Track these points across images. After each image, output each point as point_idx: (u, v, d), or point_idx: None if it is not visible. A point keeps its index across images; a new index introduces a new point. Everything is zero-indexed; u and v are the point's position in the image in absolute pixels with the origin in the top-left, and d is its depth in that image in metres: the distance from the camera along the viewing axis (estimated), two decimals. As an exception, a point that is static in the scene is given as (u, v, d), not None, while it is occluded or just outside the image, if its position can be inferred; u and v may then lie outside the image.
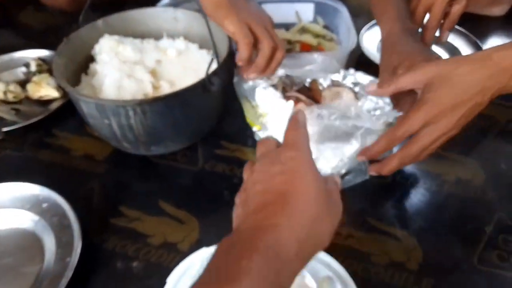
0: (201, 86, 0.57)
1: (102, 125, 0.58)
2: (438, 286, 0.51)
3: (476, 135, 0.70)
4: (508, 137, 0.70)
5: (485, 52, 0.51)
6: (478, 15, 1.01)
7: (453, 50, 0.87)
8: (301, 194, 0.34)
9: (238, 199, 0.38)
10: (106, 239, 0.56)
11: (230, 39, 0.64)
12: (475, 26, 0.96)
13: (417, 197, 0.61)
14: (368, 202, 0.60)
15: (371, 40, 0.88)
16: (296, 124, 0.39)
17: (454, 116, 0.49)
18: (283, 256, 0.31)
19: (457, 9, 0.66)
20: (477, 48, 0.86)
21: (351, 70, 0.68)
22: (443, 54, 0.87)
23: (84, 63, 0.68)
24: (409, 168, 0.64)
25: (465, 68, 0.48)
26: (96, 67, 0.67)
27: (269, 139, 0.41)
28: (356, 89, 0.66)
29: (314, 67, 0.70)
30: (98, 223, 0.58)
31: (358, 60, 0.85)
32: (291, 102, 0.59)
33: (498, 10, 1.00)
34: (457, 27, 0.90)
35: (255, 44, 0.58)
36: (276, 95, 0.61)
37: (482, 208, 0.59)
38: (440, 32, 0.71)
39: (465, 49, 0.86)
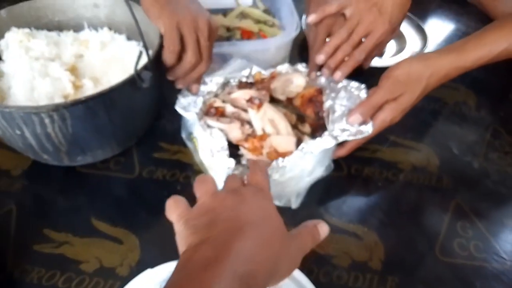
0: (130, 84, 0.49)
1: (13, 136, 0.49)
2: (403, 284, 0.48)
3: (427, 118, 0.69)
4: (457, 119, 0.70)
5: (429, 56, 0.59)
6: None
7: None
8: (268, 227, 0.35)
9: (194, 217, 0.36)
10: (30, 271, 0.47)
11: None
12: (414, 4, 0.95)
13: (374, 188, 0.58)
14: (325, 200, 0.56)
15: (315, 24, 0.84)
16: (259, 169, 0.42)
17: (411, 94, 0.56)
18: (253, 285, 0.31)
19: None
20: (420, 29, 0.84)
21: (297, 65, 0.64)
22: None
23: (-13, 62, 0.58)
24: (364, 158, 0.61)
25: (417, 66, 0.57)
26: (2, 66, 0.56)
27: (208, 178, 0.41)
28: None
29: (245, 62, 0.65)
30: (18, 252, 0.49)
31: (302, 45, 0.80)
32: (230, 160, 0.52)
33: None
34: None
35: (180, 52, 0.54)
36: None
37: (438, 195, 0.58)
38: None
39: (407, 28, 0.85)
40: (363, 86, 0.59)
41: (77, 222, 0.52)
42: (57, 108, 0.45)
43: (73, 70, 0.57)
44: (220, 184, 0.41)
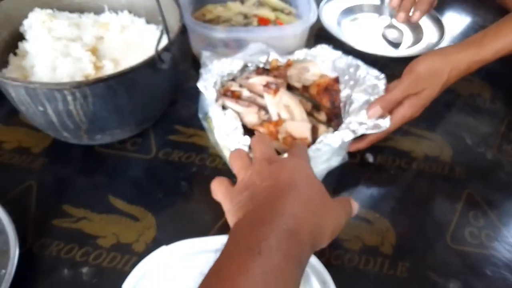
0: (150, 65, 0.50)
1: (36, 113, 0.50)
2: (413, 269, 0.49)
3: (441, 109, 0.69)
4: (471, 110, 0.70)
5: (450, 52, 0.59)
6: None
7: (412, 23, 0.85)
8: (309, 187, 0.37)
9: (237, 194, 0.38)
10: (49, 244, 0.49)
11: (181, 11, 0.57)
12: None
13: (387, 176, 0.58)
14: (339, 186, 0.56)
15: (331, 13, 0.84)
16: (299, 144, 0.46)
17: (432, 89, 0.56)
18: (301, 240, 0.33)
19: None
20: (437, 21, 0.84)
21: (317, 48, 0.64)
22: (403, 26, 0.85)
23: (11, 42, 0.59)
24: (377, 147, 0.61)
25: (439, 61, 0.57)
26: (26, 46, 0.58)
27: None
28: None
29: (264, 46, 0.65)
30: (38, 227, 0.50)
31: (318, 34, 0.81)
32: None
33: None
34: None
35: None
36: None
37: (451, 185, 0.58)
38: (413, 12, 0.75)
39: (423, 20, 0.84)
40: (382, 75, 0.59)
41: (95, 199, 0.53)
42: (79, 85, 0.47)
43: (94, 51, 0.58)
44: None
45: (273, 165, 0.39)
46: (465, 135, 0.65)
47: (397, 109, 0.56)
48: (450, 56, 0.58)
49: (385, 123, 0.54)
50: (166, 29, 0.51)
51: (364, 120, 0.55)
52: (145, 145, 0.60)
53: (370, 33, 0.83)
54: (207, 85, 0.56)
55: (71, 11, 0.64)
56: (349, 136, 0.52)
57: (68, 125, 0.51)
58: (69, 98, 0.47)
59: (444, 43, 0.79)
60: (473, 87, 0.74)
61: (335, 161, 0.53)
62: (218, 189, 0.40)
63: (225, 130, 0.52)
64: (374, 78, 0.60)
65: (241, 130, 0.51)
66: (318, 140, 0.51)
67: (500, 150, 0.63)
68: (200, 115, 0.60)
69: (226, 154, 0.56)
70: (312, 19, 0.68)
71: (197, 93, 0.60)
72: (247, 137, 0.50)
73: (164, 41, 0.52)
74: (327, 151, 0.52)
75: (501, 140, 0.65)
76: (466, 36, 0.80)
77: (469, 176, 0.59)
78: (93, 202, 0.53)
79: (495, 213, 0.55)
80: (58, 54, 0.54)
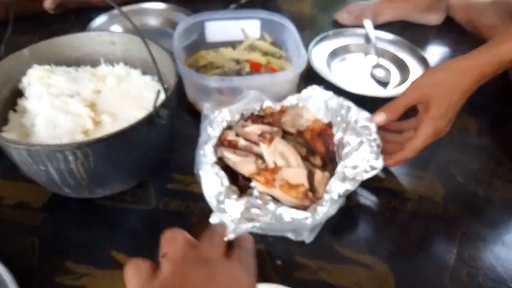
0: (148, 121, 0.51)
1: (38, 171, 0.51)
2: (414, 315, 0.49)
3: (431, 145, 0.71)
4: (460, 146, 0.72)
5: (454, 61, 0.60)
6: (417, 24, 1.04)
7: (398, 61, 0.88)
8: None
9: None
10: (51, 304, 0.49)
11: (176, 65, 0.59)
12: (414, 35, 0.99)
13: (383, 219, 0.60)
14: (336, 232, 0.58)
15: (320, 55, 0.87)
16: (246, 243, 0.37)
17: (449, 116, 0.59)
18: None
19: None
20: (420, 57, 0.87)
21: (308, 89, 0.66)
22: (389, 65, 0.88)
23: (11, 99, 0.60)
24: (373, 188, 0.63)
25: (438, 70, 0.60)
26: (25, 103, 0.59)
27: None
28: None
29: (258, 93, 0.67)
30: (41, 285, 0.50)
31: (308, 76, 0.83)
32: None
33: (434, 19, 1.04)
34: (400, 38, 0.91)
35: None
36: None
37: (445, 225, 0.59)
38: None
39: (409, 59, 0.88)
40: None
41: (97, 254, 0.54)
42: (80, 146, 0.48)
43: (92, 106, 0.59)
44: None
45: (205, 271, 0.31)
46: (456, 172, 0.67)
47: (417, 131, 0.58)
48: (453, 64, 0.59)
49: (379, 164, 0.56)
50: (162, 85, 0.52)
51: (357, 163, 0.56)
52: (144, 195, 0.61)
53: (358, 73, 0.86)
54: (206, 151, 0.57)
55: (68, 65, 0.66)
56: (349, 186, 0.53)
57: (69, 182, 0.52)
58: (71, 158, 0.48)
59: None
60: (462, 122, 0.76)
61: (334, 209, 0.55)
62: (133, 276, 0.33)
63: (209, 192, 0.54)
64: (364, 119, 0.62)
65: (223, 196, 0.53)
66: (326, 197, 0.52)
67: (491, 185, 0.65)
68: (195, 171, 0.61)
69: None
70: (302, 65, 0.70)
71: (193, 140, 0.61)
72: (229, 202, 0.52)
73: (162, 96, 0.53)
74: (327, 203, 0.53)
75: (491, 176, 0.67)
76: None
77: (463, 214, 0.61)
78: (95, 257, 0.53)
79: (490, 251, 0.56)
80: (58, 111, 0.55)
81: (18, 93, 0.61)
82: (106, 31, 0.68)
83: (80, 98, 0.59)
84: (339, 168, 0.57)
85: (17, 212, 0.58)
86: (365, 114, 0.63)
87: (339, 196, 0.54)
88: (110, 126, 0.57)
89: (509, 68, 0.61)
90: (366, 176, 0.55)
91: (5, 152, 0.52)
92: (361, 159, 0.57)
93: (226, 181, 0.55)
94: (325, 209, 0.53)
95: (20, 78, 0.61)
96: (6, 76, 0.60)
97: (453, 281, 0.52)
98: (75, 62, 0.67)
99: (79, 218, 0.58)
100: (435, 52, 0.96)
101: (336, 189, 0.54)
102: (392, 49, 0.90)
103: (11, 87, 0.61)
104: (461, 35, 1.01)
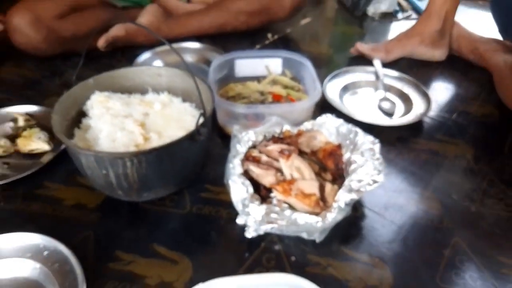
0: (190, 137, 0.63)
1: (99, 175, 0.63)
2: (408, 305, 0.58)
3: (432, 169, 0.81)
4: (457, 170, 0.81)
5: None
6: (422, 62, 1.16)
7: (403, 95, 0.99)
8: None
9: None
10: (106, 283, 0.59)
11: (213, 94, 0.72)
12: (420, 73, 1.10)
13: (385, 227, 0.69)
14: (343, 235, 0.67)
15: (334, 89, 0.99)
16: None
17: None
18: None
19: None
20: (423, 92, 0.98)
21: (322, 117, 0.78)
22: (395, 98, 0.99)
23: (76, 118, 0.74)
24: (376, 202, 0.73)
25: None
26: (89, 122, 0.72)
27: None
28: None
29: (279, 119, 0.79)
30: (96, 268, 0.61)
31: (323, 106, 0.95)
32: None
33: (438, 55, 1.15)
34: (406, 75, 1.03)
35: None
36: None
37: (440, 234, 0.68)
38: None
39: (413, 94, 0.99)
40: (377, 140, 0.72)
41: (141, 246, 0.65)
42: (137, 154, 0.60)
43: (142, 126, 0.72)
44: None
45: None
46: (452, 191, 0.76)
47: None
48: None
49: (380, 178, 0.66)
50: (203, 111, 0.65)
51: (362, 178, 0.67)
52: (181, 201, 0.72)
53: (367, 104, 0.98)
54: (235, 164, 0.69)
55: (122, 92, 0.80)
56: (354, 196, 0.63)
57: (124, 185, 0.64)
58: (128, 163, 0.60)
59: (431, 113, 0.93)
60: (458, 150, 0.86)
61: (341, 216, 0.64)
62: None
63: (236, 198, 0.65)
64: (370, 143, 0.73)
65: (248, 201, 0.64)
66: (335, 205, 0.63)
67: (483, 204, 0.74)
68: (225, 181, 0.72)
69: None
70: (317, 96, 0.82)
71: (222, 158, 0.72)
72: (253, 206, 0.63)
73: (202, 118, 0.65)
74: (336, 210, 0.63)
75: (483, 195, 0.75)
76: (451, 106, 0.96)
77: (456, 226, 0.69)
78: (140, 249, 0.64)
79: (478, 258, 0.64)
80: (116, 128, 0.68)
81: (83, 114, 0.74)
82: (155, 66, 0.82)
83: (133, 119, 0.72)
84: (346, 182, 0.68)
85: (75, 211, 0.70)
86: (370, 138, 0.74)
87: (346, 204, 0.64)
88: (157, 142, 0.70)
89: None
90: (369, 188, 0.65)
91: (74, 159, 0.65)
92: (365, 174, 0.68)
93: (250, 189, 0.66)
94: (334, 215, 0.63)
95: (85, 102, 0.75)
96: (74, 100, 0.73)
97: (443, 279, 0.61)
98: (128, 90, 0.80)
99: (126, 218, 0.70)
100: (438, 88, 1.07)
101: (343, 198, 0.64)
102: (398, 85, 1.01)
103: (77, 108, 0.74)
104: (464, 74, 1.12)
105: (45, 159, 0.77)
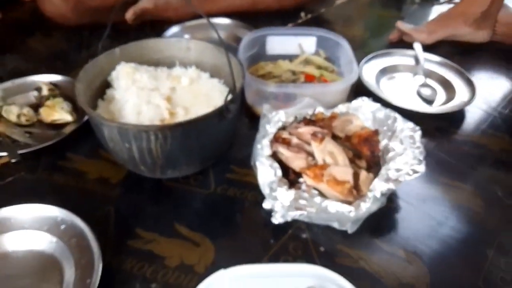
0: (218, 114, 0.59)
1: (122, 149, 0.60)
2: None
3: (473, 163, 0.75)
4: (501, 165, 0.75)
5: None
6: (465, 47, 1.08)
7: (445, 82, 0.93)
8: None
9: None
10: (124, 261, 0.57)
11: (243, 69, 0.67)
12: (463, 59, 1.03)
13: (422, 222, 0.64)
14: (377, 227, 0.63)
15: (370, 72, 0.93)
16: None
17: None
18: None
19: None
20: (469, 82, 0.91)
21: (358, 100, 0.73)
22: (436, 85, 0.93)
23: (100, 89, 0.71)
24: (414, 194, 0.67)
25: None
26: (113, 93, 0.69)
27: None
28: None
29: (312, 100, 0.74)
30: (115, 245, 0.59)
31: (357, 90, 0.89)
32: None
33: (481, 37, 1.08)
34: (448, 61, 0.96)
35: None
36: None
37: (483, 233, 0.63)
38: None
39: (456, 80, 0.92)
40: (418, 128, 0.67)
41: (162, 225, 0.62)
42: (162, 128, 0.57)
43: (169, 100, 0.69)
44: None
45: None
46: (496, 188, 0.70)
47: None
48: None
49: (421, 169, 0.61)
50: (234, 86, 0.61)
51: (401, 167, 0.62)
52: (205, 181, 0.69)
53: (405, 90, 0.92)
54: (263, 144, 0.65)
55: (149, 65, 0.76)
56: (391, 185, 0.58)
57: (147, 160, 0.61)
58: (152, 137, 0.57)
59: (476, 102, 0.86)
60: (504, 144, 0.79)
61: (375, 206, 0.60)
62: None
63: (264, 181, 0.61)
64: (409, 130, 0.67)
65: (276, 185, 0.60)
66: (370, 194, 0.58)
67: (530, 202, 0.68)
68: (252, 163, 0.68)
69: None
70: (354, 78, 0.77)
71: (250, 139, 0.69)
72: (280, 191, 0.59)
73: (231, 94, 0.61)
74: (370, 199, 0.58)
75: (530, 194, 0.69)
76: (497, 96, 0.89)
77: (501, 225, 0.64)
78: (161, 228, 0.61)
79: (524, 260, 0.59)
80: (142, 101, 0.65)
81: (106, 84, 0.71)
82: (184, 39, 0.78)
83: (160, 93, 0.69)
84: (383, 170, 0.63)
85: (97, 185, 0.68)
86: (410, 124, 0.68)
87: (382, 194, 0.59)
88: (183, 117, 0.66)
89: None
90: (408, 178, 0.60)
91: (96, 131, 0.62)
92: (404, 163, 0.62)
93: (279, 172, 0.62)
94: (368, 205, 0.58)
95: (110, 72, 0.71)
96: (99, 69, 0.70)
97: (487, 283, 0.56)
98: (155, 63, 0.77)
99: (149, 195, 0.67)
100: (483, 76, 1.00)
101: (379, 187, 0.59)
102: (440, 70, 0.95)
103: (102, 79, 0.71)
104: (510, 61, 1.04)
105: (68, 129, 0.75)
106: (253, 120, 0.79)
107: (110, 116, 0.66)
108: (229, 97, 0.60)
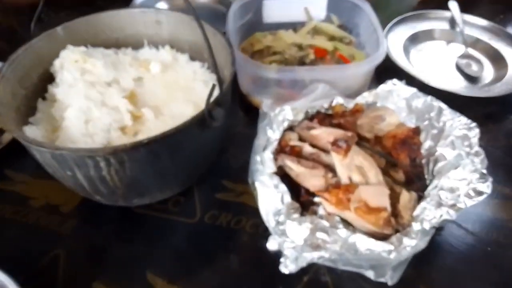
0: (199, 123, 0.41)
1: (64, 176, 0.43)
2: None
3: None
4: None
5: None
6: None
7: (492, 52, 0.73)
8: None
9: None
10: (75, 336, 0.41)
11: (233, 52, 0.48)
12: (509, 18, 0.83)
13: (482, 254, 0.47)
14: (421, 267, 0.46)
15: (396, 42, 0.74)
16: None
17: None
18: None
19: None
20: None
21: (387, 84, 0.54)
22: (481, 56, 0.73)
23: (40, 85, 0.52)
24: (468, 213, 0.50)
25: None
26: (56, 90, 0.50)
27: None
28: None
29: (328, 88, 0.55)
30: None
31: (381, 65, 0.70)
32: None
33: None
34: (495, 24, 0.76)
35: None
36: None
37: None
38: None
39: (506, 50, 0.72)
40: (474, 124, 0.49)
41: (132, 275, 0.45)
42: (115, 151, 0.39)
43: (132, 98, 0.50)
44: None
45: None
46: None
47: None
48: None
49: (486, 188, 0.44)
50: (218, 79, 0.42)
51: (456, 185, 0.44)
52: (188, 205, 0.52)
53: (441, 63, 0.72)
54: (265, 158, 0.47)
55: (107, 47, 0.57)
56: (445, 216, 0.41)
57: (101, 190, 0.43)
58: (102, 164, 0.39)
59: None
60: None
61: (424, 242, 0.43)
62: None
63: (267, 209, 0.43)
64: (463, 127, 0.49)
65: (284, 216, 0.43)
66: (415, 229, 0.41)
67: None
68: (249, 181, 0.50)
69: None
70: (382, 56, 0.58)
71: (246, 140, 0.51)
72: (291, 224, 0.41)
73: (216, 92, 0.43)
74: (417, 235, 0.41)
75: None
76: None
77: None
78: (129, 279, 0.45)
79: None
80: (92, 104, 0.47)
81: (49, 78, 0.52)
82: (152, 9, 0.59)
83: (119, 87, 0.50)
84: (432, 190, 0.46)
85: (43, 216, 0.51)
86: (462, 119, 0.50)
87: (433, 227, 0.42)
88: (152, 123, 0.48)
89: None
90: (470, 203, 0.43)
91: (29, 152, 0.44)
92: (460, 180, 0.45)
93: (288, 197, 0.44)
94: (414, 243, 0.41)
95: (52, 61, 0.52)
96: (37, 57, 0.52)
97: None
98: (115, 44, 0.58)
99: (114, 228, 0.50)
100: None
101: (429, 217, 0.42)
102: (485, 37, 0.75)
103: (41, 71, 0.52)
104: None
105: (6, 138, 0.57)
106: (250, 113, 0.61)
107: (50, 125, 0.48)
108: (214, 96, 0.42)
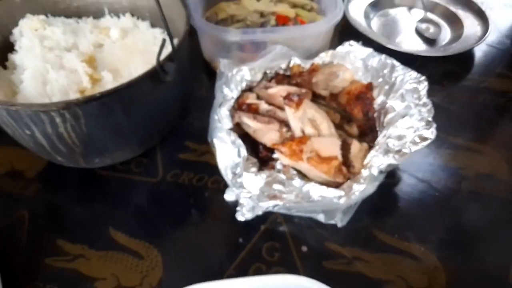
0: (152, 77, 0.42)
1: (23, 136, 0.44)
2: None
3: (492, 116, 0.59)
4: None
5: None
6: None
7: (449, 15, 0.75)
8: None
9: None
10: (40, 287, 0.42)
11: (188, 11, 0.49)
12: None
13: (431, 199, 0.50)
14: (375, 214, 0.48)
15: (357, 8, 0.75)
16: None
17: None
18: None
19: None
20: (476, 10, 0.74)
21: (344, 45, 0.56)
22: (439, 20, 0.75)
23: (0, 54, 0.52)
24: (419, 162, 0.53)
25: None
26: (15, 57, 0.51)
27: None
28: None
29: (285, 49, 0.57)
30: (28, 266, 0.44)
31: (343, 31, 0.72)
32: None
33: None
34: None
35: None
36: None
37: (509, 208, 0.49)
38: None
39: (464, 14, 0.75)
40: (423, 77, 0.51)
41: (94, 232, 0.46)
42: (68, 105, 0.40)
43: (91, 62, 0.51)
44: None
45: None
46: (523, 147, 0.56)
47: None
48: None
49: (431, 134, 0.46)
50: (169, 35, 0.43)
51: (404, 133, 0.46)
52: (151, 166, 0.53)
53: (401, 28, 0.74)
54: (221, 115, 0.48)
55: (68, 16, 0.58)
56: (392, 161, 0.43)
57: (60, 148, 0.44)
58: (58, 120, 0.40)
59: (489, 39, 0.69)
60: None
61: (372, 187, 0.45)
62: None
63: (225, 164, 0.45)
64: (413, 80, 0.51)
65: (241, 169, 0.44)
66: (363, 174, 0.43)
67: None
68: (209, 139, 0.52)
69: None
70: (338, 16, 0.59)
71: (210, 104, 0.52)
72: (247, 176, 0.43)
73: (169, 49, 0.44)
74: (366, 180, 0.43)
75: None
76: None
77: (531, 197, 0.50)
78: (92, 236, 0.46)
79: None
80: (49, 66, 0.47)
81: (9, 47, 0.53)
82: (110, -24, 0.59)
83: (78, 52, 0.51)
84: (380, 139, 0.48)
85: (8, 181, 0.51)
86: (412, 74, 0.52)
87: (381, 172, 0.44)
88: (111, 85, 0.49)
89: None
90: (415, 148, 0.45)
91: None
92: (408, 128, 0.47)
93: (244, 151, 0.46)
94: (363, 187, 0.43)
95: (11, 30, 0.53)
96: (-6, 26, 0.52)
97: (522, 280, 0.43)
98: (76, 13, 0.59)
99: (77, 190, 0.51)
100: (496, 5, 0.82)
101: (377, 163, 0.44)
102: (442, 1, 0.77)
103: (1, 39, 0.53)
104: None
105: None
106: (213, 78, 0.62)
107: (11, 89, 0.49)
108: (166, 52, 0.43)
